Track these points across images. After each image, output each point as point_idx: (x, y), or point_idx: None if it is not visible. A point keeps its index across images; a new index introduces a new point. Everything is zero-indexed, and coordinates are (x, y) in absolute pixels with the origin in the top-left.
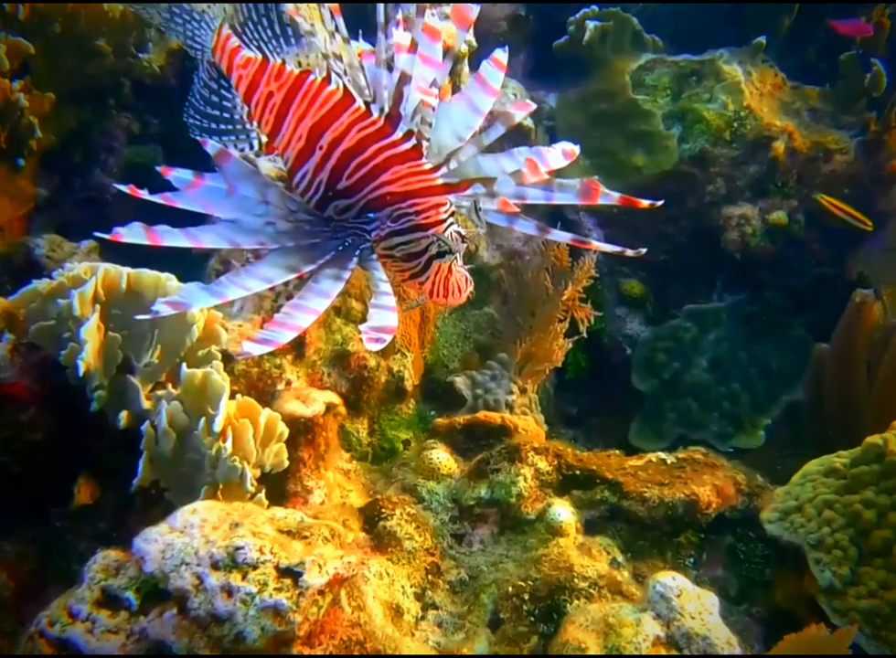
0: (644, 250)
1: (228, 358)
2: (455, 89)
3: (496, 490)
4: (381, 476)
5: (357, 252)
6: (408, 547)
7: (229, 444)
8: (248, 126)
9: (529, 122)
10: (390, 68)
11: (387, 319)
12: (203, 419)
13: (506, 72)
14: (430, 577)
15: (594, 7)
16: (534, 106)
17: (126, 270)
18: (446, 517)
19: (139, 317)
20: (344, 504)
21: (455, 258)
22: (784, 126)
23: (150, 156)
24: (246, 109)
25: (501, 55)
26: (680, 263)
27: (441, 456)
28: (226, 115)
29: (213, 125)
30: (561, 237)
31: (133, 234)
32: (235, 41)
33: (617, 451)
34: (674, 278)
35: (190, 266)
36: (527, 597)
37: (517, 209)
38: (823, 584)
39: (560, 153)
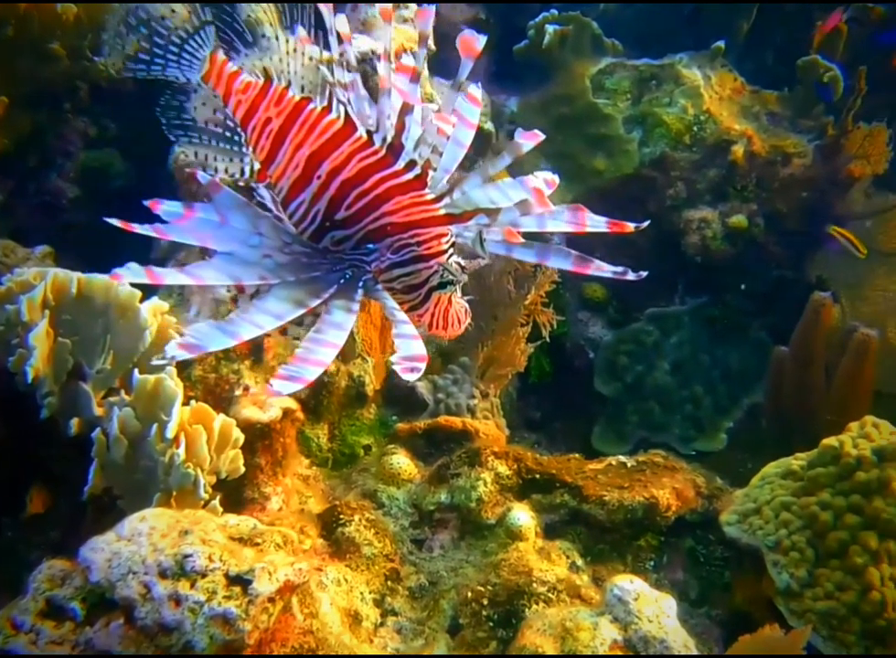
0: (644, 274)
1: (184, 364)
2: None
3: (457, 495)
4: (341, 482)
5: (361, 284)
6: (367, 553)
7: (181, 450)
8: (244, 151)
9: (490, 127)
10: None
11: (414, 347)
12: (155, 425)
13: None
14: (389, 583)
15: (554, 11)
16: (542, 137)
17: (76, 274)
18: (406, 523)
19: (156, 362)
20: (302, 511)
21: (455, 289)
22: (743, 130)
23: (107, 161)
24: (244, 134)
25: (475, 90)
26: (642, 267)
27: (401, 461)
28: (223, 143)
29: (207, 151)
30: (563, 264)
31: (132, 274)
32: (232, 65)
33: (577, 455)
34: (636, 281)
35: None
36: (486, 602)
37: (522, 240)
38: (780, 586)
39: (542, 182)
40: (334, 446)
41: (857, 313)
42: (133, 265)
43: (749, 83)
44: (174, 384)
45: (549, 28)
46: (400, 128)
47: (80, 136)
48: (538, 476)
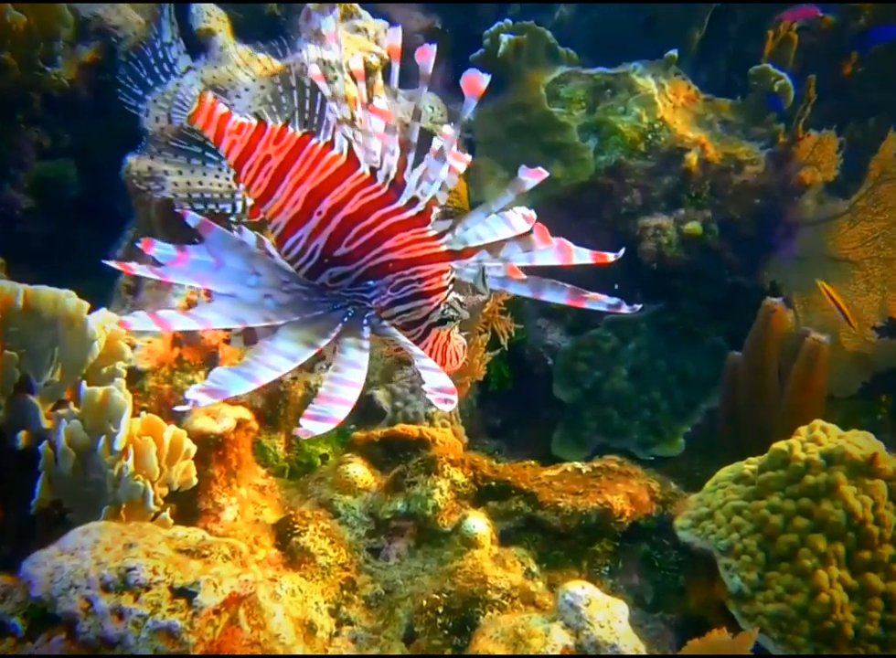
0: (639, 307)
1: (137, 375)
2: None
3: (413, 503)
4: (298, 492)
5: (365, 321)
6: (322, 563)
7: (130, 462)
8: (233, 187)
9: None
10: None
11: (440, 380)
12: (104, 437)
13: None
14: (345, 592)
15: (508, 21)
16: (546, 174)
17: (23, 286)
18: (362, 532)
19: (178, 409)
20: (257, 521)
21: (454, 325)
22: (696, 138)
23: (62, 170)
24: (233, 172)
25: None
26: (599, 273)
27: (357, 470)
28: (209, 179)
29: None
30: (558, 298)
31: (140, 322)
32: (223, 107)
33: (533, 462)
34: (593, 288)
35: (100, 282)
36: (441, 610)
37: (524, 276)
38: (732, 589)
39: (520, 218)
40: (291, 456)
41: (810, 318)
42: (139, 313)
43: (703, 92)
44: (122, 396)
45: (504, 38)
46: (403, 165)
47: (33, 146)
48: (493, 483)
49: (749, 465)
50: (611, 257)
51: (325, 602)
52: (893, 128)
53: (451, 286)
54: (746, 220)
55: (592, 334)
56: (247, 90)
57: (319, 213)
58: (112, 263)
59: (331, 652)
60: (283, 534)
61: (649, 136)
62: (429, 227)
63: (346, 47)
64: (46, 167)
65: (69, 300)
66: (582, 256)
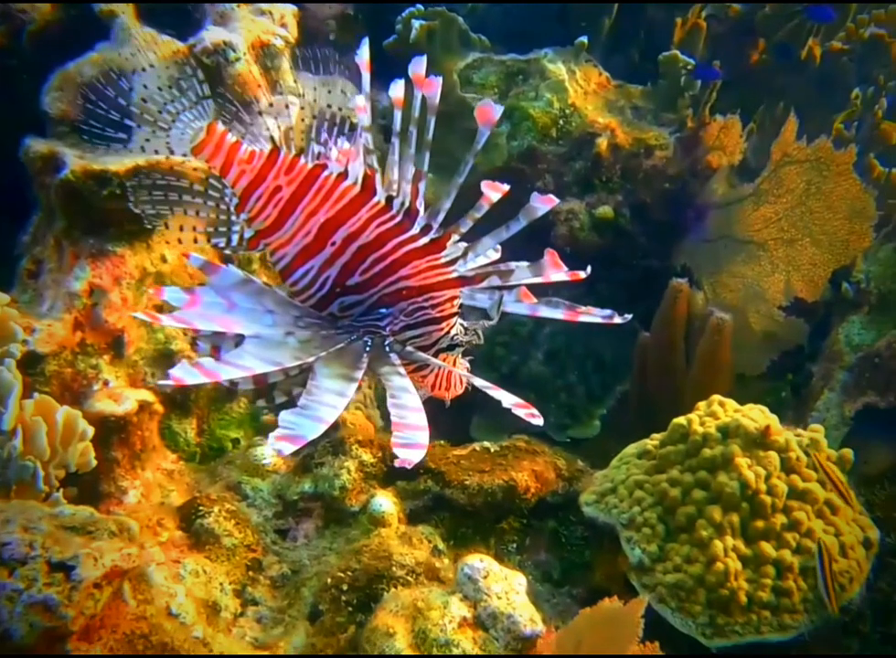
0: (629, 316)
1: (37, 359)
2: (272, 84)
3: (320, 483)
4: (207, 475)
5: (388, 348)
6: (227, 544)
7: (18, 443)
8: (232, 219)
9: None
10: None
11: (412, 435)
12: None
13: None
14: (251, 573)
15: (420, 6)
16: (556, 201)
17: None
18: (270, 513)
19: (267, 461)
20: (162, 504)
21: (461, 350)
22: (606, 123)
23: None
24: (235, 201)
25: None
26: (515, 258)
27: (265, 452)
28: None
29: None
30: (555, 314)
31: (189, 376)
32: (233, 137)
33: (442, 442)
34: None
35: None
36: (345, 587)
37: (535, 299)
38: (633, 561)
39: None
40: (202, 440)
41: (719, 299)
42: (185, 365)
43: (615, 78)
44: (11, 376)
45: (416, 23)
46: (416, 193)
47: None
48: None
49: (652, 441)
50: (582, 274)
51: (230, 583)
52: (794, 113)
53: (459, 311)
54: (657, 204)
55: (510, 318)
56: (146, 69)
57: (333, 243)
58: (139, 315)
59: (235, 632)
60: (188, 516)
61: (560, 122)
62: (443, 253)
63: (248, 29)
64: None
65: None
66: (561, 275)
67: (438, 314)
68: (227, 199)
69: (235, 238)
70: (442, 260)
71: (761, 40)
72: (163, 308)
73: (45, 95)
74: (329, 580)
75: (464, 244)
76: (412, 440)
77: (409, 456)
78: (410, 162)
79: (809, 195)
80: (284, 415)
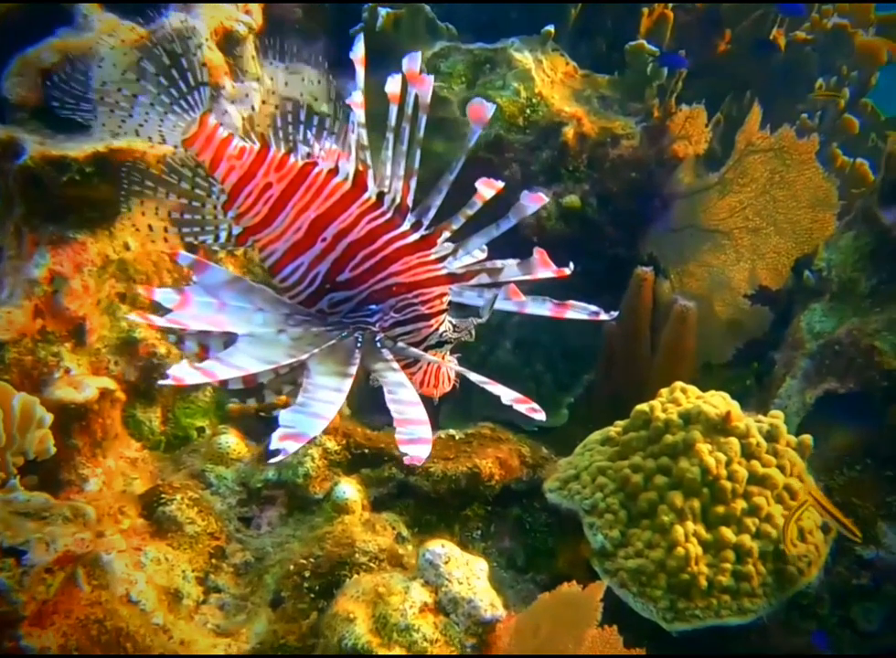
0: (615, 313)
1: None
2: (234, 71)
3: (284, 471)
4: (171, 464)
5: (379, 344)
6: (190, 532)
7: None
8: (218, 217)
9: (326, 109)
10: None
11: (414, 429)
12: None
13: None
14: (214, 560)
15: None
16: (546, 199)
17: None
18: (234, 501)
19: (273, 461)
20: (124, 492)
21: (450, 347)
22: (573, 112)
23: None
24: (223, 198)
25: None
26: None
27: (230, 440)
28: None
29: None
30: (541, 310)
31: (189, 376)
32: (224, 131)
33: None
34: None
35: None
36: (308, 574)
37: (524, 298)
38: (595, 547)
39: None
40: (167, 429)
41: (685, 288)
42: (184, 366)
43: (582, 67)
44: None
45: (382, 11)
46: (407, 190)
47: None
48: (367, 451)
49: (615, 428)
50: (566, 271)
51: (192, 571)
52: (758, 103)
53: (448, 308)
54: (623, 193)
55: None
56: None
57: (324, 239)
58: (132, 316)
59: (197, 619)
60: (150, 503)
61: (527, 111)
62: (433, 250)
63: (211, 15)
64: None
65: None
66: (548, 272)
67: (428, 311)
68: (214, 196)
69: (223, 234)
70: (433, 257)
71: (727, 30)
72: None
73: (4, 81)
74: (292, 567)
75: (450, 245)
76: (416, 434)
77: (416, 453)
78: (401, 158)
79: (773, 184)
80: (284, 414)
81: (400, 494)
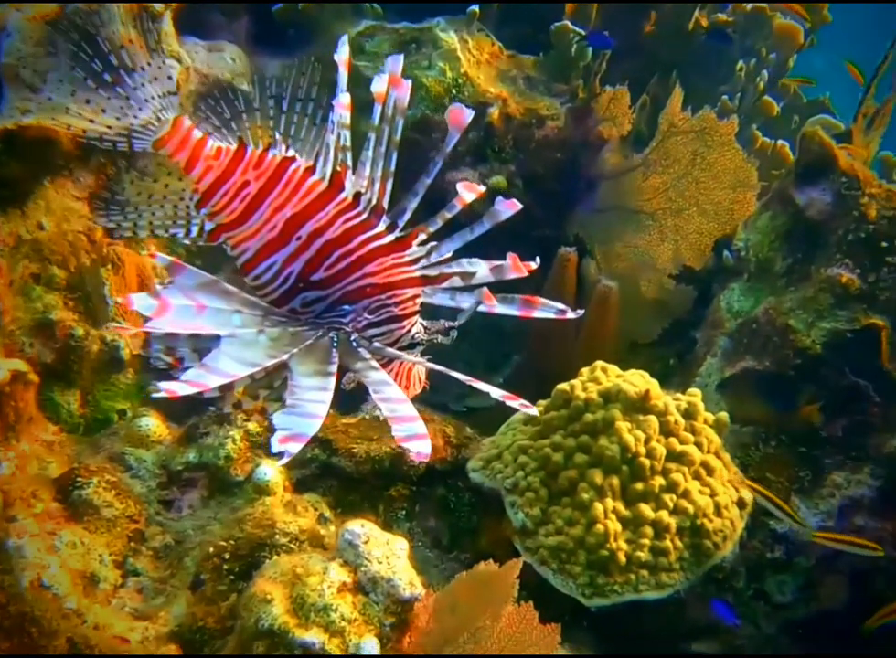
0: (581, 312)
1: None
2: (149, 46)
3: (205, 453)
4: (89, 447)
5: (355, 343)
6: (107, 515)
7: None
8: (191, 214)
9: (247, 87)
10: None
11: (410, 426)
12: None
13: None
14: (133, 544)
15: None
16: (520, 206)
17: None
18: (154, 484)
19: (280, 463)
20: (38, 476)
21: (421, 349)
22: (498, 93)
23: None
24: (196, 198)
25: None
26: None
27: (150, 423)
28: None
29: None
30: (510, 310)
31: (180, 388)
32: (199, 132)
33: (331, 411)
34: None
35: None
36: (228, 556)
37: (496, 303)
38: (517, 525)
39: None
40: (86, 412)
41: (611, 268)
42: (171, 384)
43: (507, 48)
44: None
45: None
46: (383, 191)
47: None
48: None
49: (538, 407)
50: (533, 265)
51: (110, 554)
52: (679, 84)
53: (419, 310)
54: (549, 174)
55: None
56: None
57: (298, 238)
58: (112, 326)
59: (114, 603)
60: (65, 487)
61: (453, 91)
62: (407, 252)
63: None
64: None
65: None
66: (521, 273)
67: (401, 312)
68: (185, 194)
69: (194, 229)
70: (407, 259)
71: (652, 12)
72: None
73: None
74: (212, 549)
75: (424, 247)
76: (412, 431)
77: (418, 449)
78: (379, 159)
79: (695, 165)
80: (278, 417)
81: (323, 475)
